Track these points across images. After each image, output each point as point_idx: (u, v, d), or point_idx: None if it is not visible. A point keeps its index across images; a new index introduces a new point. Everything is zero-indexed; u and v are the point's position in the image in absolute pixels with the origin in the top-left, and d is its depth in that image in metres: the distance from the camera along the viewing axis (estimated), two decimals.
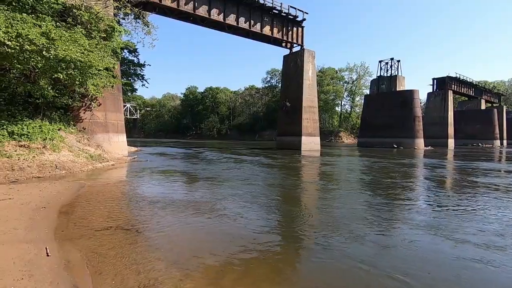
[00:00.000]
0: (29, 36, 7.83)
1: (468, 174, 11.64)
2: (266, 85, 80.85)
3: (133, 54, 27.28)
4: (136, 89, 30.86)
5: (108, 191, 7.05)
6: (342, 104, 75.16)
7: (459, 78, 47.40)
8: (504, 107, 60.13)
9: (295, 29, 28.23)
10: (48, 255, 3.12)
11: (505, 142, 56.46)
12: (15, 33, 7.71)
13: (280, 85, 75.67)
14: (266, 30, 26.10)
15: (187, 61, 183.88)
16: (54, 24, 9.91)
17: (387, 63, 39.35)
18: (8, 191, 5.79)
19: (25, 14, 8.59)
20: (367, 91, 64.70)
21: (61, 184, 7.22)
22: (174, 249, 3.53)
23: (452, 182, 9.97)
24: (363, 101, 48.35)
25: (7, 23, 7.72)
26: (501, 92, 62.62)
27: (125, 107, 74.18)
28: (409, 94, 36.20)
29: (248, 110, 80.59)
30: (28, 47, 7.88)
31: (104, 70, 13.16)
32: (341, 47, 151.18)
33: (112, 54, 13.45)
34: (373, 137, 38.12)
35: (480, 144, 50.48)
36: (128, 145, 19.02)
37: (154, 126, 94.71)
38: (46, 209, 4.96)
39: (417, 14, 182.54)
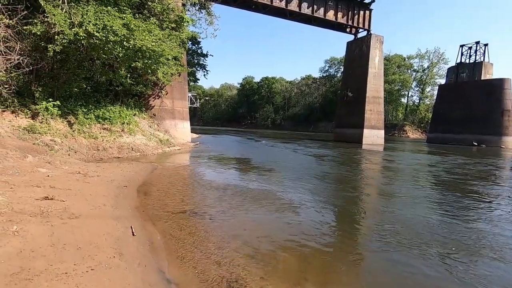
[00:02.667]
0: (113, 27, 8.47)
1: None
2: (324, 75, 77.70)
3: (196, 44, 28.44)
4: (199, 79, 32.25)
5: (178, 174, 7.36)
6: (409, 95, 68.27)
7: None
8: None
9: (361, 12, 26.11)
10: (133, 235, 3.22)
11: None
12: (102, 25, 8.41)
13: (339, 75, 72.44)
14: (330, 15, 24.63)
15: (245, 51, 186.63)
16: (132, 16, 10.63)
17: (470, 48, 34.09)
18: (96, 169, 6.38)
19: (110, 7, 9.33)
20: (442, 81, 57.58)
21: (138, 165, 7.77)
22: (249, 242, 3.36)
23: None
24: (436, 92, 43.11)
25: (96, 16, 8.47)
26: None
27: (187, 96, 79.07)
28: (498, 84, 30.87)
29: (303, 100, 78.73)
30: (112, 37, 8.55)
31: (173, 60, 13.86)
32: (411, 31, 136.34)
33: (180, 44, 14.07)
34: (446, 132, 33.75)
35: None
36: (190, 131, 20.07)
37: (212, 115, 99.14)
38: (128, 188, 5.30)
39: None
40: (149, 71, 12.04)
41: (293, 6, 22.91)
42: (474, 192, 6.77)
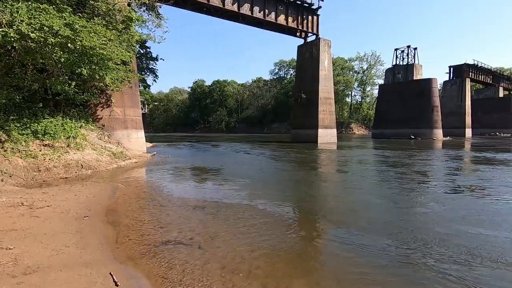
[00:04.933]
0: (53, 27, 7.27)
1: (488, 164, 10.90)
2: (274, 77, 79.75)
3: (145, 48, 26.67)
4: (150, 85, 30.32)
5: (145, 194, 6.56)
6: (353, 95, 73.74)
7: (477, 65, 45.71)
8: None
9: (310, 17, 27.21)
10: (117, 285, 2.60)
11: None
12: (38, 25, 7.15)
13: (288, 77, 74.97)
14: (281, 19, 25.17)
15: (193, 55, 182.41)
16: (74, 15, 9.36)
17: (403, 51, 38.00)
18: (43, 197, 5.33)
19: (45, 5, 8.02)
20: (379, 81, 63.28)
21: (94, 187, 6.75)
22: (253, 273, 2.98)
23: (471, 173, 9.26)
24: (377, 91, 47.17)
25: (29, 14, 7.16)
26: None
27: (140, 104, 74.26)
28: (427, 83, 34.93)
29: (256, 102, 79.66)
30: (52, 39, 7.33)
31: (122, 65, 12.67)
32: (350, 35, 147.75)
33: (130, 47, 12.90)
34: (389, 128, 37.09)
35: (498, 133, 48.96)
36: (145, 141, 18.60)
37: (163, 121, 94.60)
38: (90, 219, 4.47)
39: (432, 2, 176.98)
40: (97, 76, 10.76)
41: (245, 10, 22.85)
42: (412, 178, 7.32)
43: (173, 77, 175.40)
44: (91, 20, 10.61)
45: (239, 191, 6.67)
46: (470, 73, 45.26)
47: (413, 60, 37.07)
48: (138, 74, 17.30)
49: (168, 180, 8.23)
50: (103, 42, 9.00)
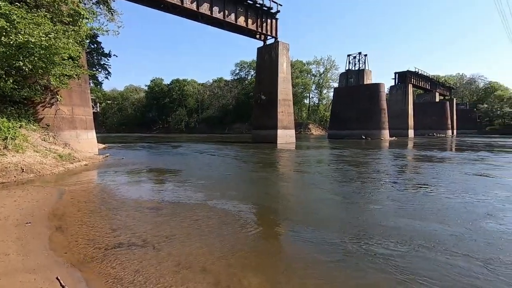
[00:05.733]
0: None
1: (426, 161, 12.42)
2: (235, 78, 79.95)
3: (96, 44, 24.98)
4: (102, 82, 28.46)
5: (96, 197, 6.26)
6: (310, 97, 76.94)
7: (418, 72, 50.74)
8: (454, 99, 65.83)
9: (269, 20, 27.87)
10: None
11: (455, 131, 62.05)
12: None
13: (249, 77, 75.72)
14: (241, 21, 25.42)
15: (151, 52, 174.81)
16: (11, 5, 8.53)
17: (355, 57, 40.71)
18: None
19: None
20: (334, 84, 66.88)
21: (37, 192, 6.26)
22: (209, 269, 3.11)
23: (413, 167, 10.53)
24: (332, 94, 49.85)
25: None
26: (451, 85, 68.36)
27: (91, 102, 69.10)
28: (376, 88, 37.91)
29: (217, 102, 79.11)
30: None
31: (69, 60, 11.83)
32: (308, 40, 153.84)
33: (78, 41, 12.07)
34: (343, 129, 39.49)
35: (435, 134, 54.88)
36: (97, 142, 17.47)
37: (117, 120, 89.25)
38: (33, 225, 4.18)
39: (382, 10, 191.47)
40: (40, 71, 9.92)
41: (204, 9, 22.65)
42: (363, 175, 8.09)
43: (128, 74, 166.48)
44: (33, 11, 9.78)
45: (198, 192, 6.69)
46: (412, 80, 50.07)
47: (364, 65, 39.94)
48: (89, 70, 16.21)
49: (122, 183, 7.92)
50: (46, 35, 8.33)
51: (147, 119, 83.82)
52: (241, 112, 70.35)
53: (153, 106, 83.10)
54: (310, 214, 5.14)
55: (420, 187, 7.36)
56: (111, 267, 3.05)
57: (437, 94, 60.44)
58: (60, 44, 9.86)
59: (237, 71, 79.90)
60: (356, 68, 40.48)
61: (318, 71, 74.99)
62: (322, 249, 3.63)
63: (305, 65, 73.45)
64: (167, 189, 7.16)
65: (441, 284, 2.79)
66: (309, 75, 74.76)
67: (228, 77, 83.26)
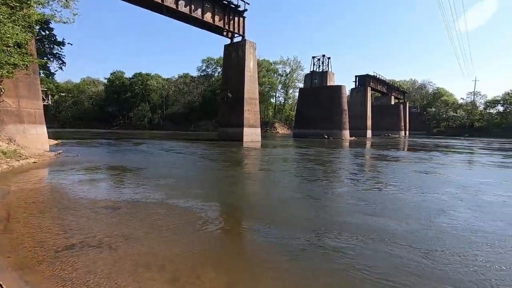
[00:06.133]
0: None
1: (382, 159, 13.49)
2: (202, 74, 78.56)
3: (47, 29, 22.98)
4: (55, 73, 26.27)
5: (44, 197, 5.84)
6: (277, 96, 78.25)
7: (376, 76, 54.10)
8: (407, 103, 71.31)
9: (236, 18, 27.83)
10: None
11: (407, 132, 67.26)
12: None
13: (216, 74, 74.88)
14: (208, 17, 25.06)
15: (110, 44, 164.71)
16: None
17: (319, 59, 42.21)
18: None
19: None
20: (300, 85, 68.75)
21: None
22: (166, 267, 3.11)
23: (370, 165, 11.39)
24: (297, 94, 51.19)
25: None
26: (405, 90, 73.96)
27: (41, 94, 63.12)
28: (338, 89, 39.71)
29: (182, 99, 77.08)
30: None
31: (15, 47, 10.80)
32: (276, 40, 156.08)
33: (25, 27, 11.04)
34: (307, 128, 40.79)
35: (390, 134, 59.01)
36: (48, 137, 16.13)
37: (72, 114, 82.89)
38: None
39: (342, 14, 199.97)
40: None
41: (169, 2, 21.95)
42: (326, 172, 8.56)
43: (86, 66, 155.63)
44: None
45: (160, 191, 6.54)
46: (371, 83, 53.25)
47: (327, 68, 41.59)
48: (39, 59, 14.88)
49: (76, 182, 7.45)
50: None
51: (106, 114, 78.97)
52: (207, 109, 69.36)
53: (113, 101, 78.49)
54: (273, 212, 5.28)
55: (378, 184, 7.92)
56: (61, 270, 2.92)
57: (392, 97, 64.98)
58: (4, 29, 8.97)
59: (204, 68, 78.62)
60: (320, 70, 42.01)
61: (285, 71, 76.60)
62: (282, 245, 3.74)
63: (272, 65, 74.47)
64: (126, 188, 6.90)
65: (380, 271, 3.09)
66: (275, 75, 75.98)
67: (194, 73, 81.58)
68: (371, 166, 12.20)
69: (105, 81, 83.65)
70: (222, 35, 28.32)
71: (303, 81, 48.74)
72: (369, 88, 52.29)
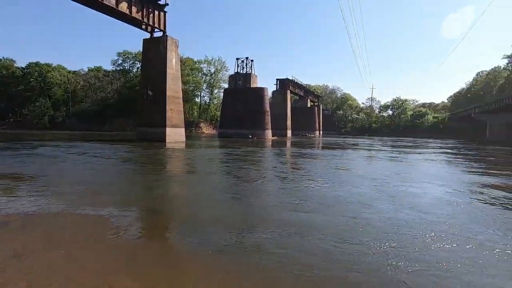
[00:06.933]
0: None
1: (303, 156, 14.97)
2: (118, 69, 71.50)
3: None
4: None
5: None
6: (202, 96, 77.13)
7: (294, 80, 58.68)
8: (321, 106, 79.58)
9: (157, 12, 26.37)
10: None
11: (321, 133, 75.07)
12: None
13: (135, 70, 69.23)
14: (123, 6, 23.01)
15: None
16: None
17: (243, 61, 43.40)
18: None
19: None
20: (225, 85, 69.29)
21: None
22: (73, 278, 2.83)
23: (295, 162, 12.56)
24: (222, 94, 51.51)
25: None
26: (319, 94, 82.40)
27: None
28: (260, 91, 41.61)
29: (94, 95, 68.64)
30: None
31: None
32: (201, 39, 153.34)
33: None
34: (232, 128, 41.46)
35: (307, 134, 64.84)
36: None
37: None
38: None
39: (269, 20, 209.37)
40: None
41: None
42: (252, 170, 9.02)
43: None
44: None
45: (65, 200, 5.73)
46: (290, 86, 57.46)
47: (250, 70, 43.10)
48: None
49: None
50: None
51: None
52: (124, 108, 63.35)
53: (1, 95, 64.59)
54: (198, 213, 5.18)
55: (301, 180, 8.62)
56: None
57: (308, 100, 71.55)
58: None
59: (120, 62, 71.58)
60: (244, 72, 43.26)
61: (209, 70, 75.99)
62: (205, 246, 3.71)
63: (196, 63, 72.91)
64: (23, 198, 5.85)
65: (291, 260, 3.44)
66: (200, 74, 74.71)
67: (109, 67, 73.56)
68: (294, 164, 13.24)
69: None
70: (141, 28, 26.44)
71: (227, 82, 49.33)
72: (288, 91, 56.31)
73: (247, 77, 42.62)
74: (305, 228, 4.43)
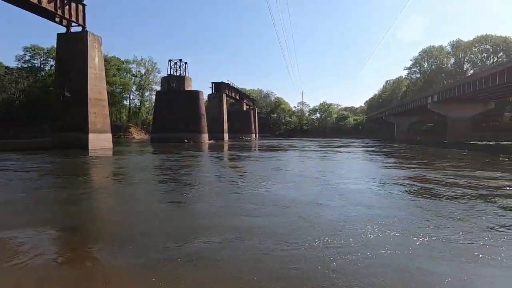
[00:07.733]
0: None
1: (240, 158, 15.24)
2: (25, 66, 61.34)
3: None
4: None
5: None
6: (131, 98, 71.63)
7: (230, 84, 59.15)
8: (256, 109, 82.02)
9: (74, 5, 23.58)
10: None
11: (257, 135, 77.32)
12: None
13: (47, 68, 60.45)
14: None
15: None
16: None
17: (176, 63, 41.88)
18: None
19: None
20: (157, 87, 65.73)
21: None
22: None
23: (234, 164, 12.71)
24: (154, 97, 48.74)
25: None
26: (254, 98, 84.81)
27: None
28: (196, 94, 40.75)
29: None
30: None
31: None
32: (130, 39, 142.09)
33: None
34: (166, 132, 39.43)
35: (244, 137, 65.92)
36: None
37: None
38: None
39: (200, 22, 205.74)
40: None
41: None
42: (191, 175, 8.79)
43: None
44: None
45: None
46: (226, 90, 57.71)
47: (184, 72, 41.85)
48: None
49: None
50: None
51: None
52: (35, 111, 54.61)
53: None
54: (128, 227, 4.70)
55: (240, 183, 8.63)
56: None
57: (244, 104, 72.96)
58: None
59: (28, 58, 61.60)
60: (178, 74, 41.77)
61: (139, 71, 71.10)
62: (135, 260, 3.42)
63: (124, 63, 67.41)
64: None
65: (230, 264, 3.45)
66: (128, 75, 69.27)
67: (12, 63, 62.46)
68: (232, 167, 13.26)
69: None
70: (54, 21, 23.23)
71: (160, 84, 46.94)
72: (224, 95, 56.46)
73: (181, 79, 41.27)
74: (244, 232, 4.30)
